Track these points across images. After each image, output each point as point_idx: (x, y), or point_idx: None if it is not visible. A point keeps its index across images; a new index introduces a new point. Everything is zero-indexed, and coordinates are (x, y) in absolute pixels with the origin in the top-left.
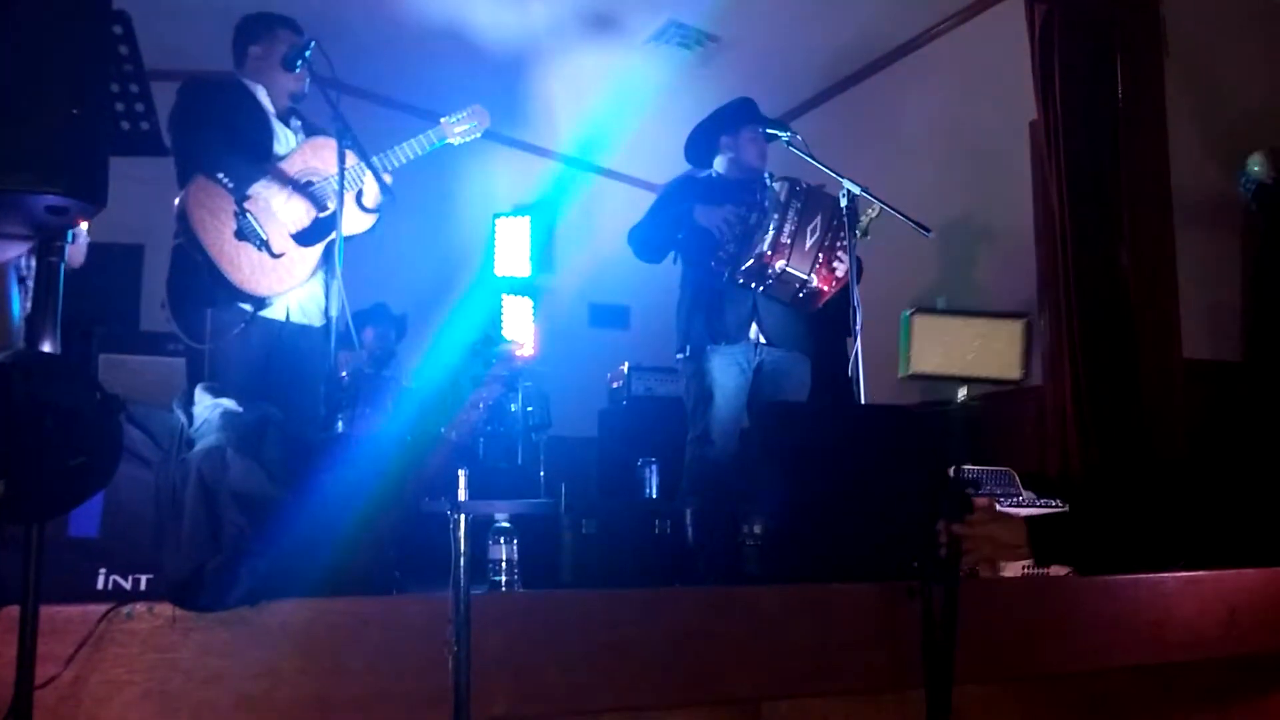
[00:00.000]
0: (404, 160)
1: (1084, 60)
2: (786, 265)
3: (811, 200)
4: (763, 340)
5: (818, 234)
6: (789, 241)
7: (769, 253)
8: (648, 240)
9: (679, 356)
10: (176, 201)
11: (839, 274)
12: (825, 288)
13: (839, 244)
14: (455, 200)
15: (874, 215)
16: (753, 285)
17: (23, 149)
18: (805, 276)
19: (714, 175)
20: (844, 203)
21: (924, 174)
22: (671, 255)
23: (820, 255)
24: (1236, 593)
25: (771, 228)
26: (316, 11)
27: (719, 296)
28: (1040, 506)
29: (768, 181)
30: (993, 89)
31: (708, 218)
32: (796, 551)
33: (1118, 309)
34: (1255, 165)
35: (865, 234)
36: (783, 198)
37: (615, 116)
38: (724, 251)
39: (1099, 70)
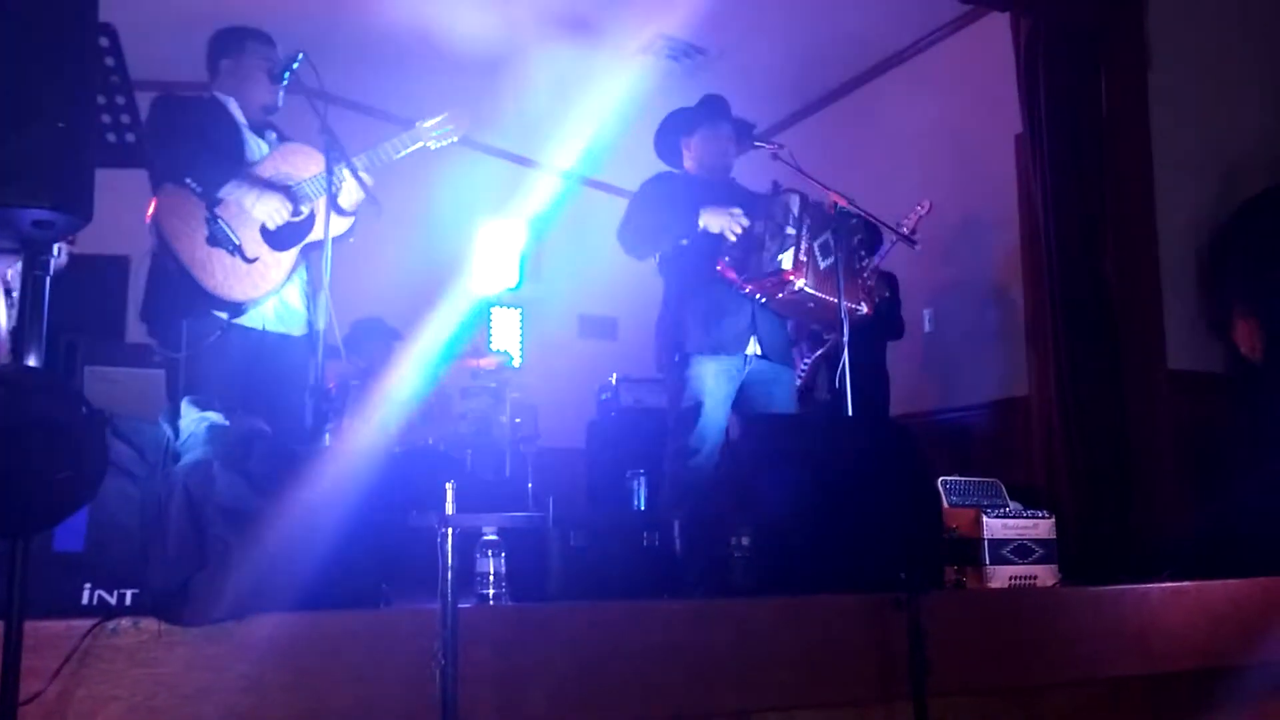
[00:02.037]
0: (379, 164)
1: (1068, 73)
2: (805, 284)
3: (819, 216)
4: (758, 353)
5: (834, 253)
6: (805, 260)
7: (789, 270)
8: (643, 236)
9: (674, 358)
10: (149, 212)
11: (875, 296)
12: (867, 310)
13: (863, 262)
14: (442, 211)
15: (923, 211)
16: (758, 297)
17: (8, 162)
18: (855, 305)
19: (685, 174)
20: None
21: (911, 185)
22: (655, 259)
23: (857, 280)
24: (1222, 603)
25: (791, 244)
26: (296, 22)
27: (716, 305)
28: (1027, 517)
29: (778, 192)
30: (979, 102)
31: (714, 220)
32: (784, 563)
33: (1103, 321)
34: None
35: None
36: (795, 212)
37: (603, 128)
38: (729, 256)
39: (1083, 83)
